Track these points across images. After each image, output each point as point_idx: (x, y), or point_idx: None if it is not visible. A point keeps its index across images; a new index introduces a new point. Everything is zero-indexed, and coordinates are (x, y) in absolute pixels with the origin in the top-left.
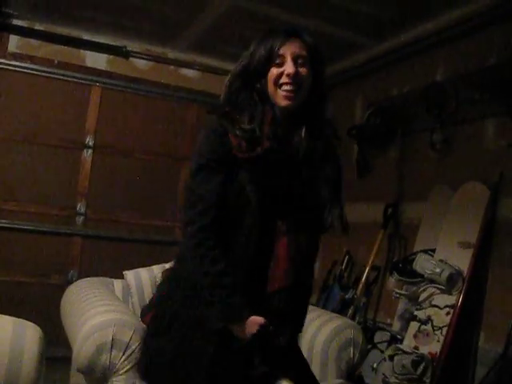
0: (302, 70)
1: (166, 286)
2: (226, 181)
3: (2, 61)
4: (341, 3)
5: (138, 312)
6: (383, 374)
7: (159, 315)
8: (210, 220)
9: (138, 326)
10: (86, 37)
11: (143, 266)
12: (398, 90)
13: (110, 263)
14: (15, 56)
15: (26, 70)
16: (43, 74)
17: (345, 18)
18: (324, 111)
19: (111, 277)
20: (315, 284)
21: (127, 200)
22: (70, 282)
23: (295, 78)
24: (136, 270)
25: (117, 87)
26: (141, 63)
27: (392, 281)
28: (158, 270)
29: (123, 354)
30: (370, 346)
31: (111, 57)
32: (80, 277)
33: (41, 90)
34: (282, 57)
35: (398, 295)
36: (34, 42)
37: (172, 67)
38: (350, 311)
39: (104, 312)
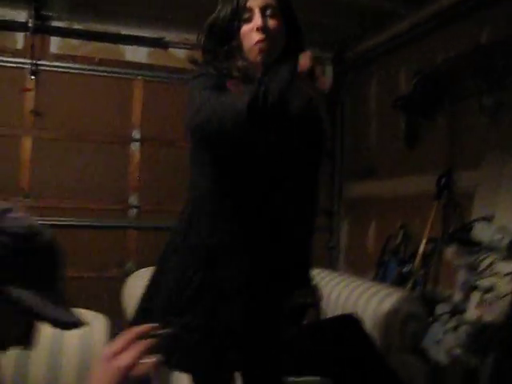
0: (272, 22)
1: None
2: None
3: (45, 62)
4: None
5: None
6: (448, 346)
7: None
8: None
9: None
10: (124, 31)
11: None
12: (443, 56)
13: None
14: (57, 57)
15: (68, 70)
16: (85, 72)
17: None
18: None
19: None
20: (371, 260)
21: (177, 190)
22: (127, 274)
23: (266, 31)
24: None
25: (158, 78)
26: (180, 53)
27: (450, 251)
28: None
29: None
30: (431, 319)
31: (151, 49)
32: (137, 268)
33: (84, 88)
34: (250, 10)
35: (457, 265)
36: (74, 41)
37: None
38: (409, 285)
39: None
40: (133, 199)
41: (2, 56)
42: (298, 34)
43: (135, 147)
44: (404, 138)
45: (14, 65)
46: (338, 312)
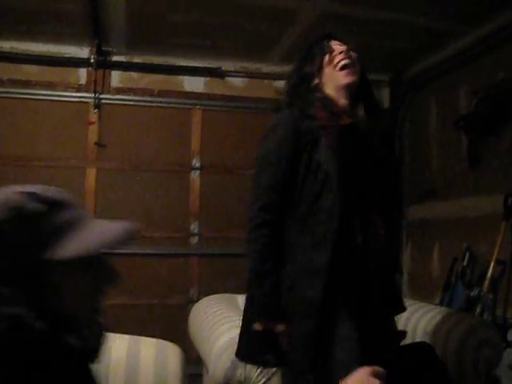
0: (353, 53)
1: None
2: (299, 160)
3: (107, 96)
4: None
5: None
6: None
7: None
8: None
9: None
10: (182, 62)
11: None
12: (504, 74)
13: (228, 280)
14: (118, 90)
15: (129, 102)
16: (145, 103)
17: (435, 8)
18: (372, 94)
19: (232, 292)
20: (436, 284)
21: (237, 216)
22: (191, 301)
23: (348, 53)
24: None
25: (216, 107)
26: (236, 81)
27: None
28: None
29: (258, 368)
30: (504, 345)
31: (208, 78)
32: (200, 295)
33: (145, 119)
34: (331, 47)
35: None
36: (134, 74)
37: (266, 81)
38: (478, 309)
39: (234, 327)
40: (194, 227)
41: (67, 91)
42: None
43: (195, 175)
44: (467, 157)
45: (78, 99)
46: (408, 339)
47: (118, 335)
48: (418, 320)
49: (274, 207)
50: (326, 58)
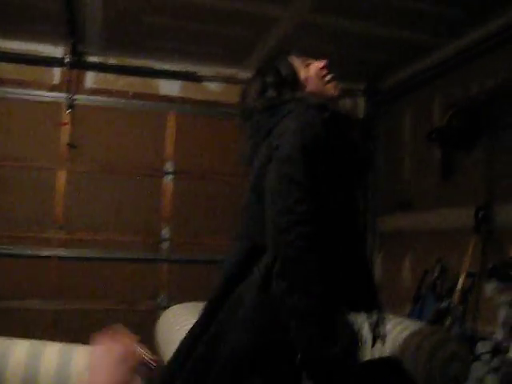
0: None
1: None
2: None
3: (81, 97)
4: (405, 5)
5: None
6: None
7: None
8: (309, 209)
9: None
10: (158, 66)
11: None
12: (478, 88)
13: (198, 287)
14: (92, 91)
15: (103, 104)
16: (120, 106)
17: (412, 21)
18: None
19: (202, 300)
20: (406, 295)
21: (210, 222)
22: (159, 308)
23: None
24: None
25: (191, 112)
26: (212, 86)
27: (490, 288)
28: None
29: None
30: (472, 358)
31: (184, 82)
32: (170, 301)
33: (119, 122)
34: (312, 60)
35: (497, 303)
36: (109, 76)
37: (242, 87)
38: (448, 321)
39: None
40: (165, 232)
41: (40, 90)
42: None
43: (168, 180)
44: (440, 170)
45: (51, 99)
46: (376, 352)
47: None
48: (387, 332)
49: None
50: (311, 69)
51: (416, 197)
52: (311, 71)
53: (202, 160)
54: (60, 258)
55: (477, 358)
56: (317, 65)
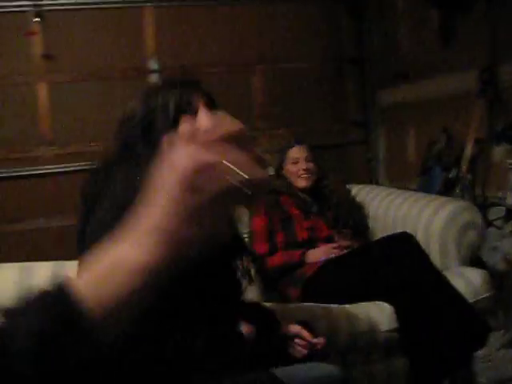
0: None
1: None
2: None
3: (48, 2)
4: None
5: None
6: (505, 252)
7: None
8: None
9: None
10: None
11: None
12: None
13: None
14: None
15: (73, 7)
16: (91, 5)
17: None
18: None
19: None
20: (413, 169)
21: None
22: None
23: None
24: None
25: (170, 3)
26: None
27: (499, 151)
28: None
29: None
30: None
31: None
32: None
33: (93, 24)
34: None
35: (509, 165)
36: None
37: None
38: (457, 191)
39: None
40: None
41: (2, 1)
42: None
43: (155, 79)
44: (438, 34)
45: (16, 9)
46: (388, 230)
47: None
48: (397, 209)
49: None
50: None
51: (415, 66)
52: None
53: (187, 54)
54: (55, 173)
55: (490, 224)
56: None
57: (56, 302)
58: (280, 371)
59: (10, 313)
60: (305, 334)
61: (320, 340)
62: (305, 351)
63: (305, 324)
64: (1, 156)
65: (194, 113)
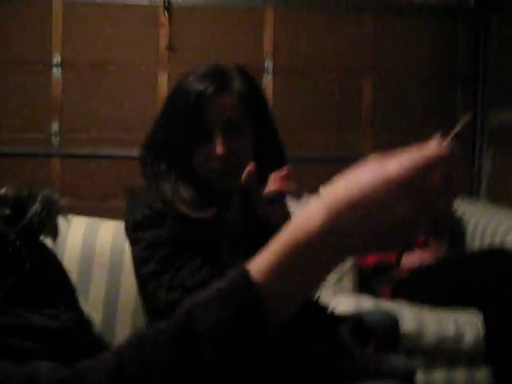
0: (237, 144)
1: None
2: None
3: None
4: None
5: None
6: None
7: None
8: None
9: None
10: None
11: None
12: None
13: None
14: None
15: (200, 4)
16: (215, 4)
17: None
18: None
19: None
20: None
21: (310, 120)
22: None
23: (227, 159)
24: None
25: (290, 6)
26: None
27: None
28: None
29: None
30: None
31: None
32: None
33: (216, 22)
34: (209, 127)
35: None
36: None
37: None
38: None
39: None
40: None
41: None
42: (272, 136)
43: (268, 78)
44: None
45: (148, 3)
46: (485, 244)
47: (75, 217)
48: (496, 226)
49: None
50: (200, 152)
51: None
52: (201, 153)
53: (303, 58)
54: None
55: None
56: (210, 149)
57: (238, 292)
58: None
59: (194, 303)
60: (349, 341)
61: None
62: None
63: (359, 321)
64: (120, 137)
65: None
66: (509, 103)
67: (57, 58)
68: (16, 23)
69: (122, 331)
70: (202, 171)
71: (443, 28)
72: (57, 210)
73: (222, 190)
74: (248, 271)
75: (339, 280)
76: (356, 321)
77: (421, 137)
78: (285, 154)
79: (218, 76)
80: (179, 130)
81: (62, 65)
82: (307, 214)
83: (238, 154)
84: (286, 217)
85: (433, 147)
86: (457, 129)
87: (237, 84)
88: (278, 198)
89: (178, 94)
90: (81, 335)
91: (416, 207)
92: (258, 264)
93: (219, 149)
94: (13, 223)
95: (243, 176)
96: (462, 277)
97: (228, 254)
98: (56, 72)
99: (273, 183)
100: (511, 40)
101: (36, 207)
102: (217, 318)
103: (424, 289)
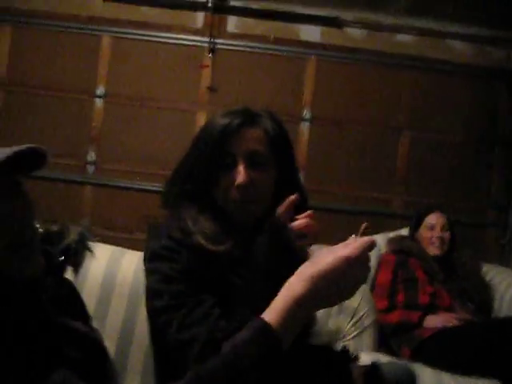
0: (258, 178)
1: None
2: None
3: (222, 41)
4: None
5: None
6: None
7: None
8: None
9: (367, 292)
10: (299, 10)
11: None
12: None
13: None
14: (233, 35)
15: (243, 48)
16: (260, 50)
17: None
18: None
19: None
20: None
21: (344, 171)
22: None
23: (247, 190)
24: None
25: (331, 58)
26: (354, 32)
27: None
28: (381, 239)
29: (351, 320)
30: None
31: (325, 28)
32: None
33: (258, 66)
34: (232, 156)
35: None
36: (250, 20)
37: (386, 34)
38: None
39: None
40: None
41: (183, 34)
42: (294, 178)
43: (305, 127)
44: None
45: (194, 43)
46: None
47: (100, 245)
48: (506, 288)
49: None
50: (221, 180)
51: None
52: (221, 181)
53: (340, 108)
54: None
55: None
56: (231, 178)
57: (263, 340)
58: None
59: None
60: None
61: None
62: None
63: (374, 367)
64: (153, 171)
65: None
66: None
67: (100, 90)
68: (67, 53)
69: (134, 364)
70: (223, 202)
71: (486, 90)
72: (87, 246)
73: (240, 222)
74: (269, 324)
75: (358, 335)
76: (372, 366)
77: (451, 200)
78: (307, 199)
79: (247, 113)
80: (203, 160)
81: (105, 96)
82: (290, 285)
83: (258, 187)
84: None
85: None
86: (360, 232)
87: (264, 122)
88: (306, 236)
89: (205, 127)
90: (106, 353)
91: (365, 271)
92: (271, 315)
93: (240, 177)
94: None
95: (284, 205)
96: (486, 342)
97: (259, 288)
98: (98, 102)
99: (299, 222)
100: None
101: (72, 238)
102: (256, 355)
103: (445, 351)
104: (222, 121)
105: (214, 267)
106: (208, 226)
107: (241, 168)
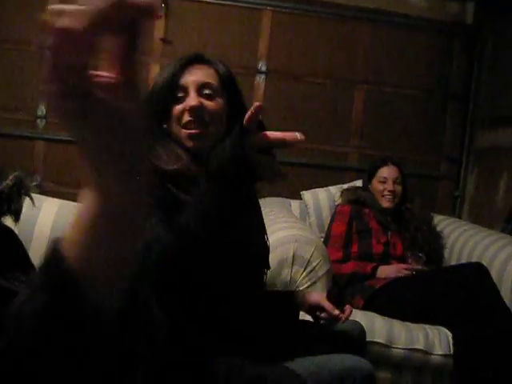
0: (209, 104)
1: None
2: None
3: None
4: None
5: (316, 231)
6: None
7: None
8: None
9: (319, 243)
10: None
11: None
12: None
13: (288, 186)
14: None
15: None
16: (214, 1)
17: None
18: None
19: (287, 197)
20: (498, 215)
21: (300, 125)
22: None
23: (199, 113)
24: (313, 190)
25: (287, 10)
26: None
27: None
28: (335, 190)
29: (304, 270)
30: None
31: None
32: None
33: (213, 18)
34: (184, 88)
35: None
36: None
37: None
38: None
39: (285, 228)
40: None
41: None
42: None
43: (260, 79)
44: None
45: None
46: (462, 261)
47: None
48: (475, 244)
49: None
50: (175, 108)
51: None
52: (175, 109)
53: (294, 61)
54: None
55: None
56: (184, 105)
57: (51, 273)
58: (306, 361)
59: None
60: (326, 305)
61: (346, 311)
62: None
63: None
64: None
65: None
66: (496, 125)
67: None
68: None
69: None
70: (176, 132)
71: (440, 45)
72: (25, 192)
73: (193, 150)
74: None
75: (312, 286)
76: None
77: (405, 153)
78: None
79: (199, 54)
80: (157, 97)
81: None
82: None
83: (209, 112)
84: (276, 173)
85: None
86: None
87: (215, 63)
88: (269, 151)
89: (160, 71)
90: None
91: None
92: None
93: (191, 100)
94: None
95: (250, 111)
96: (436, 290)
97: (203, 189)
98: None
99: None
100: (504, 62)
101: (6, 183)
102: (35, 311)
103: (397, 301)
104: (175, 61)
105: (165, 187)
106: (162, 150)
107: (192, 94)
